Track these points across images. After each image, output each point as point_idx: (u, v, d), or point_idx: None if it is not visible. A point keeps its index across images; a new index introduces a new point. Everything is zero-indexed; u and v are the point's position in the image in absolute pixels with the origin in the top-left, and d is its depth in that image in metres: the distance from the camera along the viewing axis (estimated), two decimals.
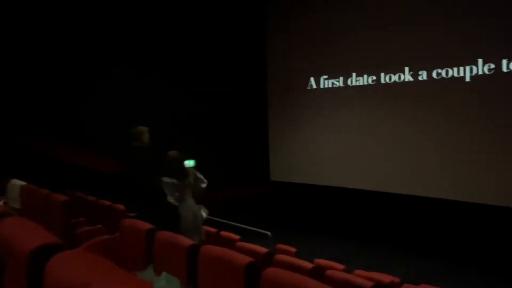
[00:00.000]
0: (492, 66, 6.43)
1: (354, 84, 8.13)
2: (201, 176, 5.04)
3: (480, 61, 6.56)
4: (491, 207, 6.55)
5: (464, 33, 6.66)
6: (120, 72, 7.77)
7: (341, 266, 4.59)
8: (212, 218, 6.92)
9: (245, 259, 2.40)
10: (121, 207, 4.69)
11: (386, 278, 4.55)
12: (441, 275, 6.49)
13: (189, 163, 8.84)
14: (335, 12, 8.37)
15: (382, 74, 7.69)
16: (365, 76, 7.94)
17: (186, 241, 2.60)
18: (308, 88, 8.88)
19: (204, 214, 5.21)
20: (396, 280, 4.63)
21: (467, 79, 6.71)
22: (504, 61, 6.32)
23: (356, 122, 8.11)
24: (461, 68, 6.77)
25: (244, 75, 9.56)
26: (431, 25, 7.00)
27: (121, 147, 4.31)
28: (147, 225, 2.85)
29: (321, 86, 8.66)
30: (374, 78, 7.82)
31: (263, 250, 3.95)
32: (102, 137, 7.03)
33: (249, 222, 7.11)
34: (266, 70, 9.75)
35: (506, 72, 6.31)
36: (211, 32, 9.11)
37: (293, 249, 5.39)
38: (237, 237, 5.23)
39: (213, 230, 5.56)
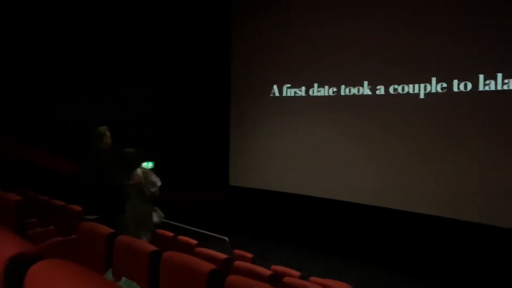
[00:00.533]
0: (445, 85, 6.82)
1: (315, 94, 8.34)
2: (154, 179, 4.98)
3: (433, 79, 6.93)
4: (441, 218, 6.90)
5: (420, 52, 7.03)
6: (76, 68, 7.52)
7: (297, 273, 4.67)
8: (169, 222, 6.86)
9: (208, 266, 2.41)
10: (77, 208, 4.53)
11: (340, 285, 4.70)
12: (391, 283, 6.76)
13: (148, 165, 8.78)
14: (299, 23, 8.56)
15: (343, 87, 7.94)
16: (326, 87, 8.17)
17: (148, 246, 2.57)
18: (271, 95, 9.00)
19: (155, 217, 5.15)
20: (350, 287, 4.79)
21: (422, 96, 7.07)
22: (455, 81, 6.72)
23: (316, 131, 8.31)
24: (416, 86, 7.12)
25: (206, 78, 9.55)
26: (390, 43, 7.33)
27: (79, 148, 4.18)
28: (107, 229, 2.79)
29: (284, 94, 8.81)
30: (335, 89, 8.07)
31: (222, 256, 3.95)
32: (59, 135, 6.77)
33: (206, 227, 7.08)
34: (229, 73, 9.78)
35: (457, 92, 6.71)
36: (173, 33, 9.04)
37: (249, 255, 5.42)
38: (194, 241, 5.19)
39: (170, 234, 5.49)
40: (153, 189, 4.85)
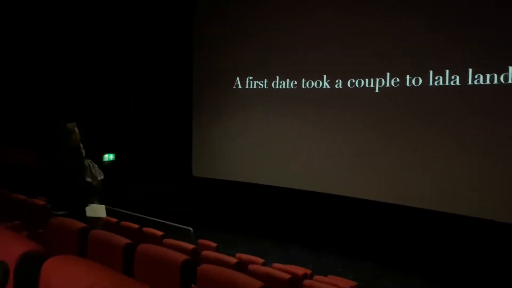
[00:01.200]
0: (398, 80, 7.22)
1: (277, 87, 8.56)
2: (95, 173, 5.02)
3: (388, 74, 7.32)
4: (398, 206, 7.36)
5: (376, 48, 7.38)
6: (41, 64, 7.30)
7: (260, 260, 4.91)
8: (133, 214, 6.89)
9: (181, 257, 2.55)
10: (40, 202, 4.49)
11: (300, 270, 4.97)
12: (346, 267, 7.18)
13: (109, 157, 8.71)
14: (261, 17, 8.71)
15: (303, 80, 8.20)
16: (288, 80, 8.41)
17: (122, 239, 2.67)
18: (234, 87, 9.12)
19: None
20: (308, 272, 5.08)
21: (376, 90, 7.45)
22: (408, 77, 7.13)
23: (278, 122, 8.54)
24: (372, 80, 7.49)
25: (169, 69, 9.51)
26: (348, 39, 7.64)
27: (42, 142, 4.13)
28: (79, 224, 2.86)
29: (247, 86, 8.96)
30: (296, 83, 8.32)
31: (189, 246, 4.10)
32: (22, 130, 6.53)
33: (169, 218, 7.16)
34: (192, 64, 9.78)
35: (409, 86, 7.13)
36: (136, 25, 8.91)
37: (213, 244, 5.60)
38: (160, 233, 5.28)
39: (135, 226, 5.54)
40: (94, 182, 4.91)
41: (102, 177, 5.15)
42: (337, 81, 7.85)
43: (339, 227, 8.03)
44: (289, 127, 8.42)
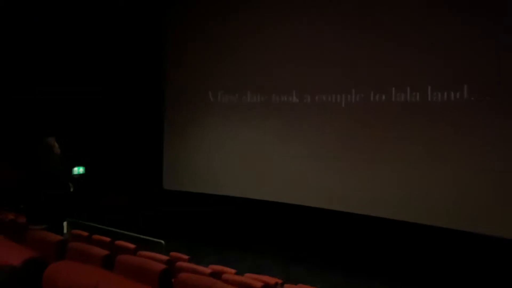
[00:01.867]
0: (363, 95, 7.58)
1: (249, 101, 8.76)
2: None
3: (353, 90, 7.67)
4: (368, 217, 7.62)
5: (342, 65, 7.73)
6: (12, 77, 7.21)
7: (233, 270, 5.03)
8: (104, 227, 6.85)
9: (159, 266, 2.67)
10: (10, 216, 4.45)
11: (271, 280, 5.12)
12: (316, 276, 7.37)
13: (79, 170, 8.62)
14: (233, 33, 8.94)
15: (273, 95, 8.46)
16: (258, 95, 8.63)
17: (101, 250, 2.75)
18: (206, 101, 9.25)
19: None
20: (279, 281, 5.24)
21: (343, 104, 7.78)
22: (372, 93, 7.51)
23: (249, 136, 8.72)
24: (338, 95, 7.82)
25: (140, 81, 9.55)
26: (315, 55, 7.97)
27: (23, 158, 4.11)
28: (56, 237, 2.91)
29: (219, 100, 9.12)
30: (266, 97, 8.56)
31: (164, 257, 4.18)
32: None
33: (140, 231, 7.15)
34: (164, 77, 9.85)
35: (373, 101, 7.50)
36: (107, 36, 8.95)
37: (186, 257, 5.67)
38: (133, 246, 5.31)
39: (106, 239, 5.54)
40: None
41: (72, 189, 5.17)
42: (305, 96, 8.13)
43: (310, 237, 8.23)
44: (259, 140, 8.62)
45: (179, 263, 4.14)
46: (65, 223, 3.69)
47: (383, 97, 7.41)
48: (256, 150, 8.64)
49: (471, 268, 6.50)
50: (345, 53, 7.71)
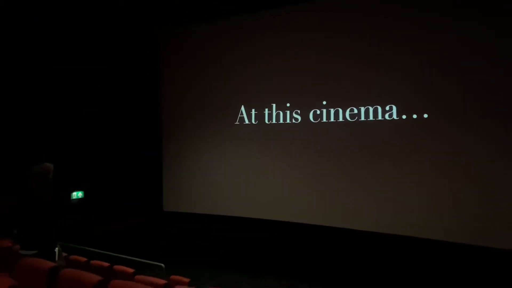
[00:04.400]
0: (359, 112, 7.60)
1: (246, 121, 8.79)
2: None
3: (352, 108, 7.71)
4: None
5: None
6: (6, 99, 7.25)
7: None
8: (103, 252, 6.76)
9: None
10: (6, 243, 4.40)
11: None
12: None
13: (77, 194, 8.57)
14: (226, 59, 9.03)
15: (269, 114, 8.50)
16: (255, 115, 8.66)
17: (93, 277, 2.68)
18: (203, 123, 9.26)
19: None
20: None
21: (342, 119, 7.80)
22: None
23: (247, 156, 8.71)
24: (337, 113, 7.85)
25: (138, 105, 9.60)
26: (312, 75, 8.04)
27: (15, 184, 4.07)
28: (48, 263, 2.85)
29: (215, 119, 9.13)
30: (262, 117, 8.59)
31: (161, 281, 4.09)
32: None
33: (140, 254, 7.06)
34: (161, 99, 9.90)
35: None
36: (105, 60, 9.03)
37: (186, 280, 5.59)
38: (131, 270, 5.22)
39: (105, 264, 5.45)
40: None
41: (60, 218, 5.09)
42: (303, 115, 8.15)
43: (316, 257, 8.11)
44: (258, 160, 8.60)
45: (177, 287, 4.05)
46: (57, 249, 3.62)
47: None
48: (254, 170, 8.62)
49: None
50: (342, 73, 7.78)
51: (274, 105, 8.46)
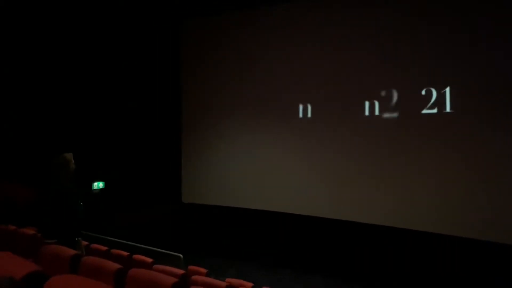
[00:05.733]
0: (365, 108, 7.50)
1: (263, 115, 8.82)
2: None
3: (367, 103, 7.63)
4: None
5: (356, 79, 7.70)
6: (27, 93, 7.43)
7: (250, 284, 4.96)
8: (123, 241, 6.90)
9: (170, 279, 2.65)
10: (30, 231, 4.53)
11: None
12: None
13: (98, 185, 8.75)
14: (244, 54, 9.05)
15: (289, 110, 8.49)
16: (274, 109, 8.67)
17: (113, 265, 2.75)
18: (222, 117, 9.30)
19: None
20: None
21: (367, 114, 7.72)
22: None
23: (264, 150, 8.73)
24: (357, 106, 7.76)
25: (159, 97, 9.69)
26: (327, 71, 7.97)
27: (39, 174, 4.18)
28: (70, 251, 2.93)
29: (235, 113, 9.17)
30: (281, 112, 8.60)
31: (179, 271, 4.14)
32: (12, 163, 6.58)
33: (159, 245, 7.18)
34: (181, 93, 9.98)
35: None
36: (127, 52, 9.14)
37: (203, 270, 5.64)
38: (150, 260, 5.32)
39: (124, 253, 5.56)
40: None
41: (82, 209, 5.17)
42: (320, 111, 8.13)
43: (329, 250, 8.11)
44: (274, 154, 8.62)
45: (195, 277, 4.11)
46: (79, 238, 3.71)
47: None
48: (271, 163, 8.65)
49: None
50: (353, 68, 7.72)
51: (294, 99, 8.43)
